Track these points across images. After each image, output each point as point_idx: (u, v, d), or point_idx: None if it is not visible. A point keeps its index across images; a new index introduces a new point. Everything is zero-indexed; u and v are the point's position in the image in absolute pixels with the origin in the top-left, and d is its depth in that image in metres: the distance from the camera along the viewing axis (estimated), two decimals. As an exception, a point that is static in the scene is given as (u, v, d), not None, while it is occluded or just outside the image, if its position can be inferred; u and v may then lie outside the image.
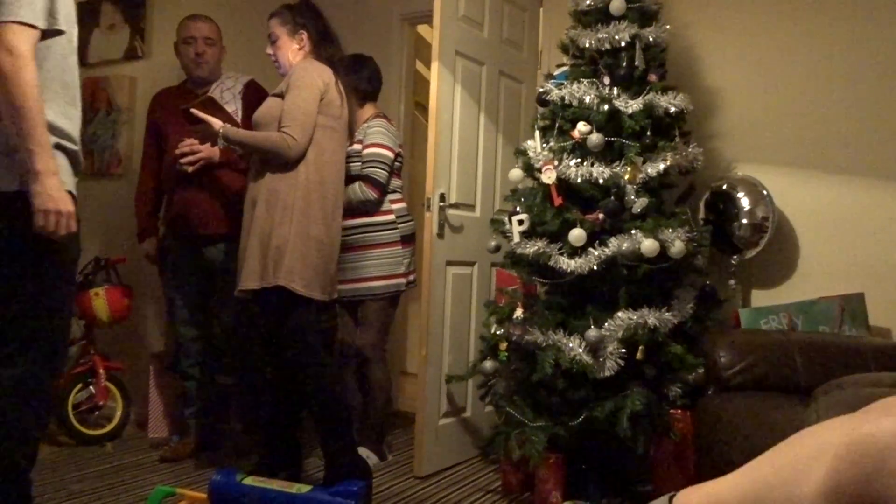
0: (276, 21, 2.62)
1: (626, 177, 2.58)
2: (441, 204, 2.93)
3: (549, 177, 2.68)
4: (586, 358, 2.46)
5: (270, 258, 2.38)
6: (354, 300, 3.00)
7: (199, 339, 3.07)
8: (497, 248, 2.92)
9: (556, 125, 2.79)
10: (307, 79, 2.47)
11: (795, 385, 2.30)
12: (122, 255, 3.45)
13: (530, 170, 2.81)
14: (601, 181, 2.61)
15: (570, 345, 2.49)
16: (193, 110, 2.45)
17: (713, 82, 3.16)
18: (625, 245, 2.50)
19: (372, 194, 2.90)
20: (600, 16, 2.82)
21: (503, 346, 2.71)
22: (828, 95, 2.95)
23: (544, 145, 2.79)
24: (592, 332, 2.44)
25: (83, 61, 3.82)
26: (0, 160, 1.75)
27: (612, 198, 2.59)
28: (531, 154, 2.79)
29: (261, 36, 3.64)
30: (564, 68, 2.92)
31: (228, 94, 3.07)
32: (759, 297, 3.02)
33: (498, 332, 2.75)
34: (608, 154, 2.65)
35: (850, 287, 2.81)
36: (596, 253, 2.52)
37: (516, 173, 2.87)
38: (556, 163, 2.68)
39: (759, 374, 2.34)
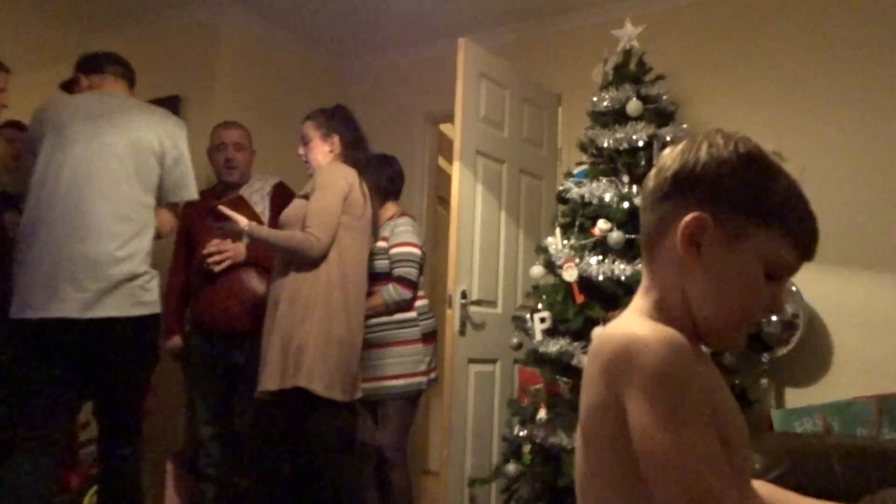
0: (311, 124, 2.71)
1: (649, 274, 2.56)
2: (463, 301, 2.93)
3: (570, 274, 2.67)
4: (613, 462, 2.37)
5: (291, 358, 2.37)
6: (374, 399, 2.95)
7: (219, 439, 3.02)
8: (519, 346, 2.89)
9: (577, 222, 2.81)
10: (331, 180, 2.53)
11: (834, 494, 2.18)
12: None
13: (551, 267, 2.81)
14: (623, 279, 2.59)
15: (596, 448, 2.41)
16: (221, 207, 2.51)
17: (733, 178, 3.18)
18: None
19: (406, 294, 2.89)
20: (617, 116, 2.89)
21: (527, 448, 2.63)
22: (857, 190, 2.94)
23: (565, 242, 2.79)
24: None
25: (119, 163, 3.97)
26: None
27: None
28: (552, 251, 2.80)
29: (290, 138, 3.78)
30: (584, 167, 2.97)
31: (257, 195, 3.14)
32: (793, 397, 2.92)
33: (521, 434, 2.68)
34: (629, 251, 2.65)
35: (887, 386, 2.70)
36: (620, 352, 2.47)
37: (537, 270, 2.87)
38: (577, 260, 2.68)
39: (796, 483, 2.22)
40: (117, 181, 2.24)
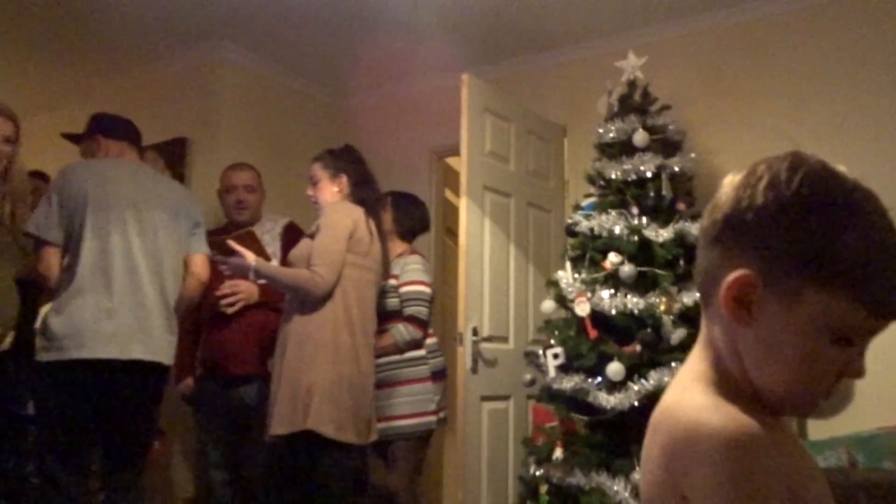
0: (319, 165, 2.71)
1: (662, 307, 2.53)
2: (474, 338, 2.89)
3: (582, 309, 2.64)
4: (633, 503, 2.31)
5: (300, 401, 2.33)
6: (383, 440, 2.89)
7: (230, 484, 2.97)
8: (532, 382, 2.84)
9: (587, 256, 2.78)
10: (336, 219, 2.52)
11: (864, 532, 2.12)
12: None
13: (563, 301, 2.78)
14: (636, 312, 2.55)
15: (615, 488, 2.36)
16: (230, 241, 2.51)
17: (743, 206, 3.15)
18: (666, 378, 2.41)
19: (417, 333, 2.85)
20: (624, 147, 2.87)
21: (543, 488, 2.58)
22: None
23: (576, 276, 2.76)
24: (639, 476, 2.30)
25: (126, 205, 3.98)
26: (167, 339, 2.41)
27: (649, 329, 2.52)
28: (563, 285, 2.77)
29: (295, 177, 3.79)
30: (592, 199, 2.95)
31: (268, 236, 3.13)
32: (814, 428, 2.85)
33: (537, 473, 2.62)
34: (641, 284, 2.62)
35: (912, 416, 2.64)
36: (636, 388, 2.43)
37: (549, 305, 2.83)
38: (588, 294, 2.65)
39: (824, 520, 2.16)
40: (167, 244, 2.50)
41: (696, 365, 0.83)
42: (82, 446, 2.35)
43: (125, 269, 2.34)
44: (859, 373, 0.79)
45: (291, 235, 3.09)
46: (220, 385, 2.96)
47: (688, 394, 0.79)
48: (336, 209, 2.57)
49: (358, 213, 2.58)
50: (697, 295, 2.25)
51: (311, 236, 2.55)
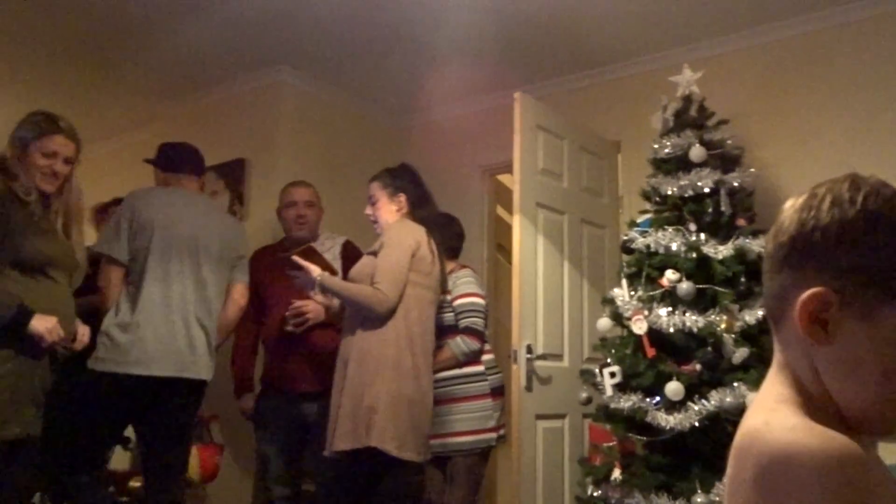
0: (377, 184, 2.75)
1: (723, 325, 2.48)
2: (528, 356, 2.88)
3: (639, 327, 2.60)
4: (695, 526, 2.25)
5: (362, 418, 2.36)
6: (443, 456, 2.89)
7: (291, 500, 3.01)
8: (588, 401, 2.81)
9: (644, 273, 2.74)
10: (399, 237, 2.55)
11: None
12: (214, 412, 3.50)
13: (619, 319, 2.75)
14: (695, 330, 2.51)
15: (676, 510, 2.30)
16: (295, 257, 2.57)
17: (805, 221, 3.06)
18: (727, 399, 2.35)
19: (475, 345, 2.85)
20: (680, 163, 2.84)
21: (601, 509, 2.53)
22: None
23: (632, 294, 2.73)
24: (700, 499, 2.25)
25: (187, 225, 4.11)
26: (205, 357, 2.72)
27: (709, 348, 2.47)
28: (619, 303, 2.74)
29: (349, 195, 3.85)
30: (648, 215, 2.91)
31: (328, 254, 3.19)
32: (887, 452, 2.74)
33: (595, 494, 2.58)
34: (700, 302, 2.57)
35: None
36: (696, 408, 2.38)
37: (605, 323, 2.81)
38: (645, 312, 2.61)
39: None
40: (214, 287, 2.81)
41: (776, 388, 0.81)
42: (104, 450, 2.79)
43: (181, 311, 2.69)
44: None
45: (350, 254, 3.14)
46: (282, 401, 3.01)
47: (776, 415, 0.77)
48: (399, 228, 2.60)
49: (420, 232, 2.60)
50: (761, 314, 2.20)
51: (374, 254, 2.58)
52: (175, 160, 2.94)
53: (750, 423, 0.78)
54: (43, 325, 2.18)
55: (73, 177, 2.41)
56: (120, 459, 3.78)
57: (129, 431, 3.76)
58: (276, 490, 3.01)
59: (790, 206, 0.80)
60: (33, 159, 2.30)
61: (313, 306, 2.89)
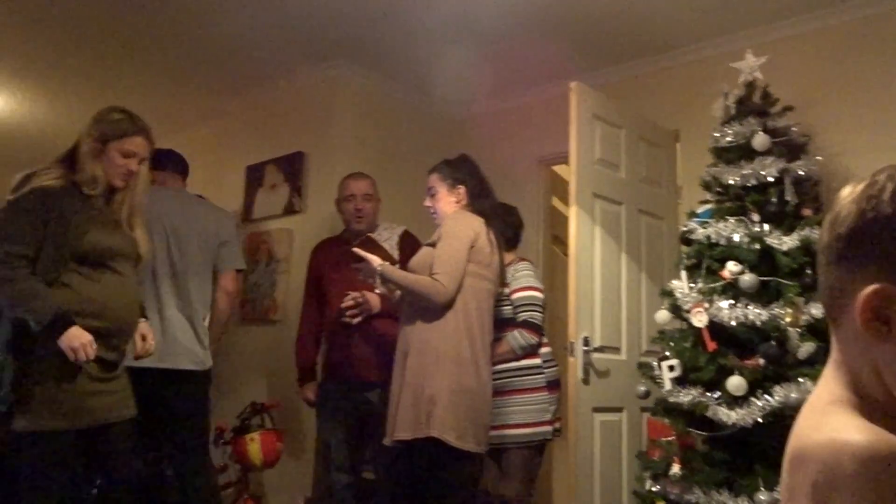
0: (437, 176, 2.76)
1: (787, 319, 2.41)
2: (585, 348, 2.86)
3: (699, 320, 2.55)
4: (758, 524, 2.21)
5: (423, 408, 2.38)
6: (498, 448, 2.90)
7: (351, 487, 3.07)
8: (647, 394, 2.78)
9: (704, 265, 2.68)
10: (458, 228, 2.56)
11: None
12: (276, 399, 3.60)
13: (678, 311, 2.70)
14: (758, 324, 2.44)
15: (738, 507, 2.26)
16: (356, 249, 2.60)
17: (876, 211, 2.94)
18: (793, 395, 2.29)
19: (533, 339, 2.85)
20: (743, 152, 2.76)
21: (660, 504, 2.51)
22: None
23: (692, 286, 2.68)
24: (764, 497, 2.20)
25: (248, 217, 4.22)
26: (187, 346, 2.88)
27: (773, 342, 2.40)
28: (678, 295, 2.69)
29: (406, 187, 3.88)
30: (708, 206, 2.85)
31: (387, 244, 3.22)
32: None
33: (654, 489, 2.55)
34: (764, 294, 2.50)
35: None
36: (759, 403, 2.32)
37: (663, 315, 2.76)
38: (706, 304, 2.56)
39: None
40: (202, 263, 3.00)
41: (830, 388, 0.79)
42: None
43: (156, 302, 2.87)
44: None
45: (408, 244, 3.17)
46: (343, 389, 3.06)
47: (828, 417, 0.75)
48: (458, 219, 2.61)
49: (479, 223, 2.61)
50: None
51: (433, 245, 2.60)
52: (160, 160, 3.04)
53: (802, 430, 0.76)
54: (75, 340, 2.13)
55: (141, 172, 2.48)
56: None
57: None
58: (337, 477, 3.07)
59: (848, 195, 0.76)
60: (111, 157, 2.35)
61: (369, 296, 2.93)
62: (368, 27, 3.53)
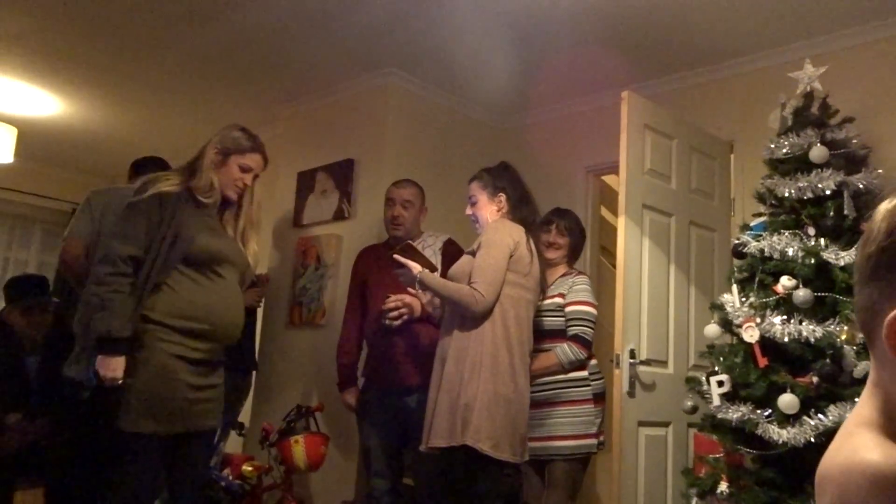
0: (477, 185, 2.77)
1: (843, 336, 2.33)
2: (631, 361, 2.82)
3: (751, 335, 2.49)
4: (808, 547, 2.14)
5: (459, 416, 2.39)
6: (542, 459, 2.87)
7: (391, 493, 3.08)
8: (694, 409, 2.72)
9: (756, 279, 2.62)
10: (497, 237, 2.56)
11: None
12: (321, 403, 3.64)
13: (728, 326, 2.65)
14: (812, 340, 2.37)
15: (788, 529, 2.19)
16: (396, 256, 2.63)
17: (941, 227, 2.82)
18: (847, 415, 2.21)
19: (582, 354, 2.82)
20: (799, 164, 2.70)
21: (706, 522, 2.45)
22: None
23: (743, 300, 2.62)
24: (814, 518, 2.12)
25: (298, 223, 4.29)
26: None
27: (828, 360, 2.33)
28: (729, 309, 2.64)
29: (455, 195, 3.89)
30: (762, 218, 2.79)
31: (429, 251, 3.24)
32: None
33: (700, 507, 2.50)
34: (819, 311, 2.43)
35: None
36: (812, 423, 2.25)
37: (713, 329, 2.71)
38: (757, 319, 2.50)
39: None
40: None
41: (861, 410, 0.78)
42: None
43: None
44: None
45: (451, 251, 3.18)
46: (383, 395, 3.08)
47: (851, 439, 0.74)
48: (498, 228, 2.61)
49: (519, 232, 2.60)
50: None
51: (473, 253, 2.61)
52: (142, 164, 3.32)
53: (829, 452, 0.75)
54: (105, 368, 2.19)
55: (254, 188, 2.59)
56: (233, 444, 4.01)
57: (242, 417, 3.98)
58: (377, 483, 3.08)
59: (881, 212, 0.74)
60: (230, 170, 2.49)
61: (409, 300, 2.95)
62: (419, 36, 3.57)
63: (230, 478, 3.45)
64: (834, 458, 0.73)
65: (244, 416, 3.98)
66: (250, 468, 3.46)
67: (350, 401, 3.23)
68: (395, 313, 2.96)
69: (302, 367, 4.01)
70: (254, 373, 4.06)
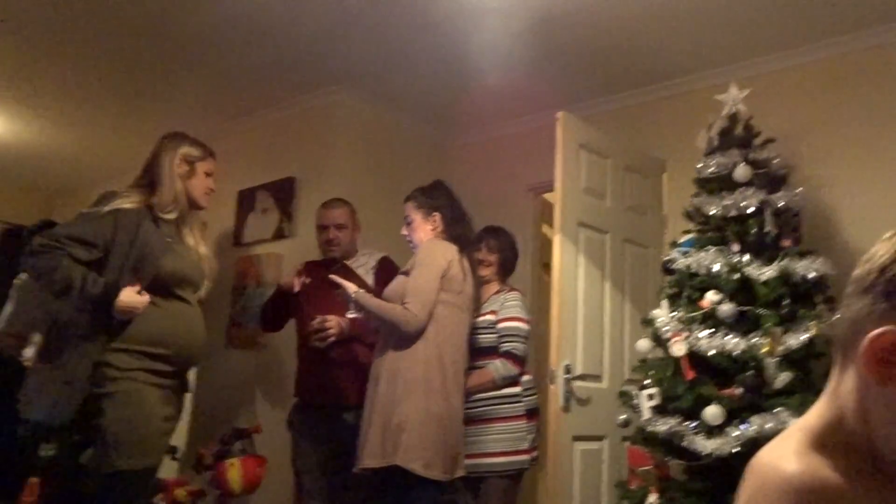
0: (412, 205, 2.79)
1: (765, 349, 2.40)
2: (566, 376, 2.85)
3: (679, 348, 2.55)
4: (733, 556, 2.18)
5: (390, 436, 2.38)
6: (475, 476, 2.87)
7: (324, 514, 3.04)
8: (627, 423, 2.76)
9: (685, 294, 2.69)
10: (430, 257, 2.58)
11: None
12: (259, 424, 3.58)
13: (659, 340, 2.70)
14: (736, 353, 2.44)
15: (714, 538, 2.24)
16: (332, 276, 2.63)
17: (856, 243, 2.95)
18: (768, 425, 2.28)
19: (515, 369, 2.83)
20: (725, 183, 2.79)
21: (637, 535, 2.48)
22: None
23: (672, 315, 2.68)
24: (737, 527, 2.17)
25: (238, 241, 4.24)
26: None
27: (751, 372, 2.40)
28: (659, 324, 2.69)
29: (400, 212, 3.89)
30: (690, 235, 2.86)
31: (362, 269, 3.24)
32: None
33: (631, 519, 2.53)
34: (743, 324, 2.50)
35: None
36: (736, 433, 2.31)
37: (644, 344, 2.76)
38: (686, 333, 2.56)
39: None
40: None
41: (809, 415, 0.81)
42: None
43: None
44: None
45: (386, 270, 3.18)
46: (316, 415, 3.05)
47: (785, 441, 0.78)
48: (430, 248, 2.63)
49: (452, 251, 2.62)
50: (806, 338, 2.10)
51: (407, 273, 2.62)
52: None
53: (768, 445, 0.79)
54: (130, 302, 2.18)
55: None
56: (169, 469, 3.90)
57: (176, 440, 3.87)
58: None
59: (889, 236, 0.78)
60: (200, 178, 2.47)
61: (336, 321, 2.93)
62: (364, 55, 3.59)
63: None
64: (766, 453, 0.76)
65: (178, 439, 3.87)
66: (184, 493, 3.38)
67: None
68: (321, 334, 2.94)
69: (240, 389, 3.93)
70: (188, 394, 3.96)
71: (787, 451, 0.74)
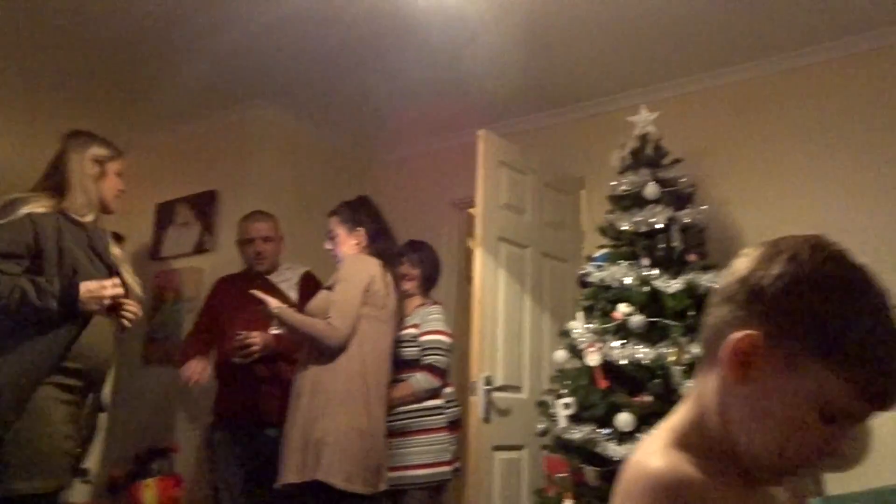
0: (336, 219, 2.80)
1: (672, 358, 2.53)
2: (487, 387, 2.91)
3: (593, 359, 2.65)
4: (643, 557, 2.27)
5: (311, 451, 2.37)
6: (397, 489, 2.88)
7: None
8: (545, 432, 2.84)
9: (599, 306, 2.80)
10: (352, 272, 2.60)
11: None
12: (176, 443, 3.49)
13: (575, 351, 2.80)
14: (646, 362, 2.56)
15: (625, 541, 2.32)
16: (254, 292, 2.61)
17: (758, 257, 3.14)
18: (675, 430, 2.39)
19: (436, 382, 2.86)
20: (636, 200, 2.92)
21: (554, 540, 2.55)
22: (881, 262, 2.88)
23: (588, 326, 2.78)
24: (646, 529, 2.27)
25: (156, 255, 4.13)
26: None
27: (659, 380, 2.52)
28: (575, 335, 2.79)
29: (321, 227, 3.87)
30: (604, 250, 2.99)
31: (285, 284, 3.22)
32: (834, 483, 2.78)
33: (548, 526, 2.60)
34: (652, 335, 2.63)
35: (935, 472, 2.56)
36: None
37: (561, 355, 2.86)
38: (599, 344, 2.66)
39: (839, 578, 2.10)
40: None
41: (673, 417, 0.87)
42: None
43: None
44: (836, 453, 0.79)
45: (309, 284, 3.17)
46: (235, 433, 3.00)
47: (651, 441, 0.84)
48: (353, 262, 2.65)
49: (375, 265, 2.65)
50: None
51: (329, 288, 2.63)
52: None
53: (638, 447, 0.85)
54: (96, 292, 2.10)
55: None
56: (80, 492, 3.74)
57: (89, 461, 3.73)
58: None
59: (751, 251, 0.84)
60: (111, 179, 2.34)
61: (259, 337, 2.91)
62: (286, 70, 3.59)
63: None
64: (637, 452, 0.81)
65: (91, 460, 3.73)
66: (96, 516, 3.25)
67: (196, 366, 3.07)
68: (245, 351, 2.90)
69: (157, 407, 3.82)
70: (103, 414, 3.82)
71: (653, 449, 0.80)
